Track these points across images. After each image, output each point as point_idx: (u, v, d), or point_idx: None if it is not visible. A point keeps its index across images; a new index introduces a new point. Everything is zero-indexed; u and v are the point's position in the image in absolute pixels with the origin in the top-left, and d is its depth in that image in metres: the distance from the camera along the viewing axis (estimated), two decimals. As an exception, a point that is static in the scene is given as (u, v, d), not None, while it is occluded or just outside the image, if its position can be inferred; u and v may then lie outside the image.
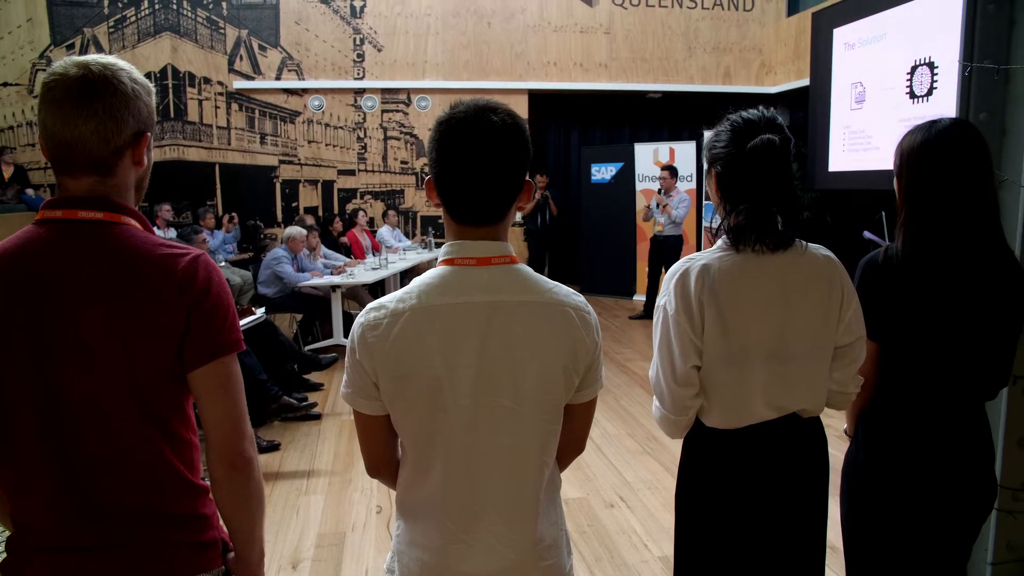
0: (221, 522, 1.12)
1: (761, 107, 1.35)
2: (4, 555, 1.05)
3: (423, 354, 1.01)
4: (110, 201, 1.03)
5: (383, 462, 1.14)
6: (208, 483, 1.09)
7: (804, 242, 1.35)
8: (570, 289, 1.10)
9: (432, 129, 1.04)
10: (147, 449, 1.02)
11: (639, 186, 8.27)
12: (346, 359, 1.08)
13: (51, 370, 0.98)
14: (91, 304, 0.97)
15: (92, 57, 1.02)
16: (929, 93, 5.18)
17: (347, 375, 1.07)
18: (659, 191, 7.20)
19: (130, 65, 1.05)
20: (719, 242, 1.36)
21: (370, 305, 1.06)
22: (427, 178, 1.07)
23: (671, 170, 7.16)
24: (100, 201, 1.02)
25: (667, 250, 7.05)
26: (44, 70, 7.18)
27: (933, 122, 1.44)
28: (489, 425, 1.03)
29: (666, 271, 6.34)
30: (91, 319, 0.97)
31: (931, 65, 5.14)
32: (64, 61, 1.01)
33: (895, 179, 1.49)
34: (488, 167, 1.01)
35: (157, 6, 7.50)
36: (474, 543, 1.06)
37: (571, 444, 1.17)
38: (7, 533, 1.07)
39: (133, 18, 7.49)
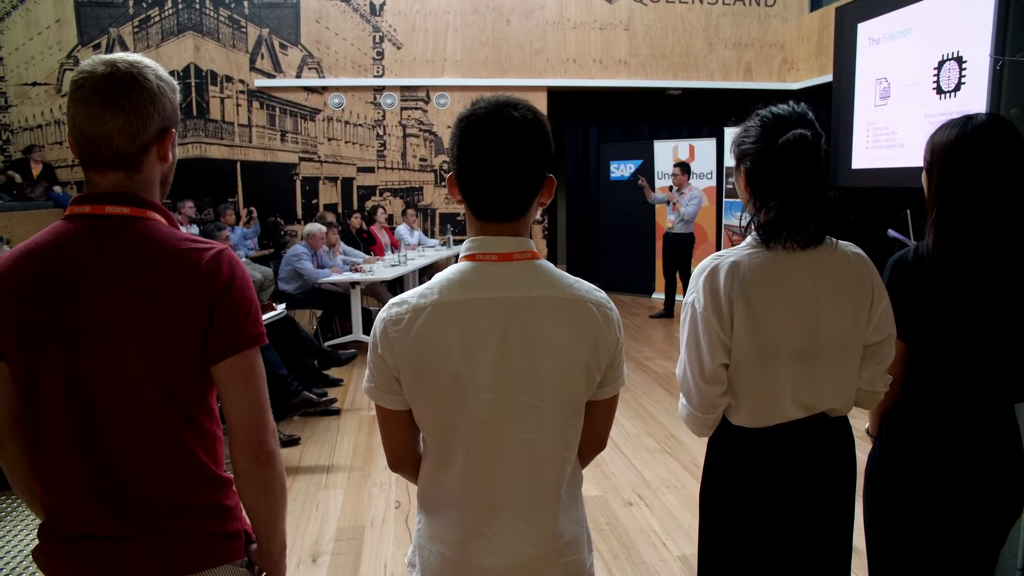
0: (244, 514, 1.13)
1: (791, 102, 1.33)
2: (37, 542, 1.08)
3: (444, 349, 1.01)
4: (136, 196, 1.05)
5: (405, 456, 1.14)
6: (231, 475, 1.10)
7: (834, 239, 1.33)
8: (592, 285, 1.10)
9: (453, 125, 1.04)
10: (172, 441, 1.04)
11: (658, 183, 8.22)
12: (368, 354, 1.08)
13: (79, 364, 1.00)
14: (117, 298, 0.99)
15: (119, 55, 1.04)
16: (957, 88, 5.08)
17: (369, 370, 1.08)
18: (670, 188, 7.16)
19: (155, 63, 1.07)
20: (748, 239, 1.34)
21: (392, 301, 1.06)
22: (448, 174, 1.07)
23: (682, 166, 7.12)
24: (127, 196, 1.04)
25: (677, 248, 7.02)
26: (72, 70, 7.34)
27: (969, 117, 1.40)
28: (510, 420, 1.03)
29: (678, 269, 6.24)
30: (117, 313, 0.99)
31: (959, 60, 5.04)
32: (92, 59, 1.03)
33: (924, 175, 1.46)
34: (509, 163, 1.00)
35: (180, 6, 7.59)
36: (494, 538, 1.05)
37: (593, 441, 1.16)
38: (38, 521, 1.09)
39: (157, 18, 7.59)
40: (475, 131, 1.01)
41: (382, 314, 1.05)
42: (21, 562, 2.66)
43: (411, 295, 1.04)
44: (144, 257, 1.01)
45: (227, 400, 1.05)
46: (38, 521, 1.10)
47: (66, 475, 1.03)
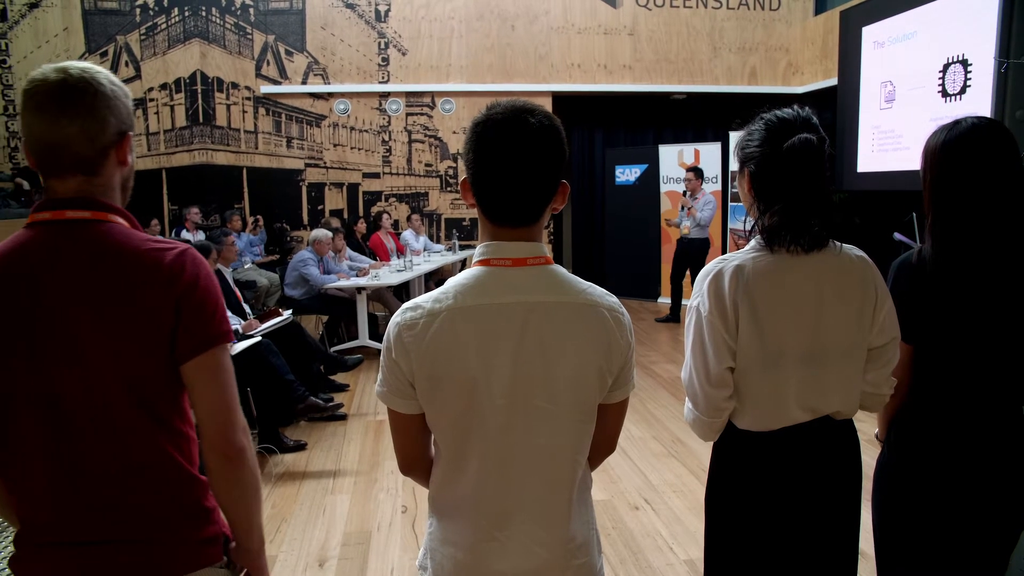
0: (222, 515, 1.13)
1: (795, 106, 1.34)
2: (12, 551, 1.07)
3: (459, 354, 1.01)
4: (97, 200, 1.05)
5: (417, 460, 1.15)
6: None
7: (838, 243, 1.34)
8: (604, 290, 1.11)
9: (468, 130, 1.05)
10: (145, 443, 1.03)
11: (664, 188, 8.22)
12: (381, 358, 1.09)
13: (48, 370, 0.99)
14: (81, 302, 0.99)
15: (70, 63, 1.05)
16: (962, 91, 5.08)
17: (382, 374, 1.08)
18: (684, 193, 7.15)
19: (106, 69, 1.08)
20: (752, 242, 1.35)
21: (406, 305, 1.07)
22: (462, 179, 1.07)
23: (696, 171, 7.11)
24: (87, 201, 1.04)
25: (694, 253, 6.99)
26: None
27: (957, 122, 1.42)
28: (524, 425, 1.04)
29: (692, 274, 6.21)
30: (82, 317, 0.99)
31: (964, 63, 5.04)
32: (43, 68, 1.03)
33: (921, 180, 1.47)
34: (524, 169, 1.01)
35: (187, 13, 7.64)
36: (507, 542, 1.06)
37: (603, 444, 1.17)
38: (12, 530, 1.08)
39: (164, 25, 7.64)
40: (491, 136, 1.01)
41: (396, 318, 1.06)
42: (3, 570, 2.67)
43: (425, 299, 1.05)
44: (106, 260, 1.01)
45: (196, 399, 1.05)
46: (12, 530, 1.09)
47: (39, 482, 1.02)
